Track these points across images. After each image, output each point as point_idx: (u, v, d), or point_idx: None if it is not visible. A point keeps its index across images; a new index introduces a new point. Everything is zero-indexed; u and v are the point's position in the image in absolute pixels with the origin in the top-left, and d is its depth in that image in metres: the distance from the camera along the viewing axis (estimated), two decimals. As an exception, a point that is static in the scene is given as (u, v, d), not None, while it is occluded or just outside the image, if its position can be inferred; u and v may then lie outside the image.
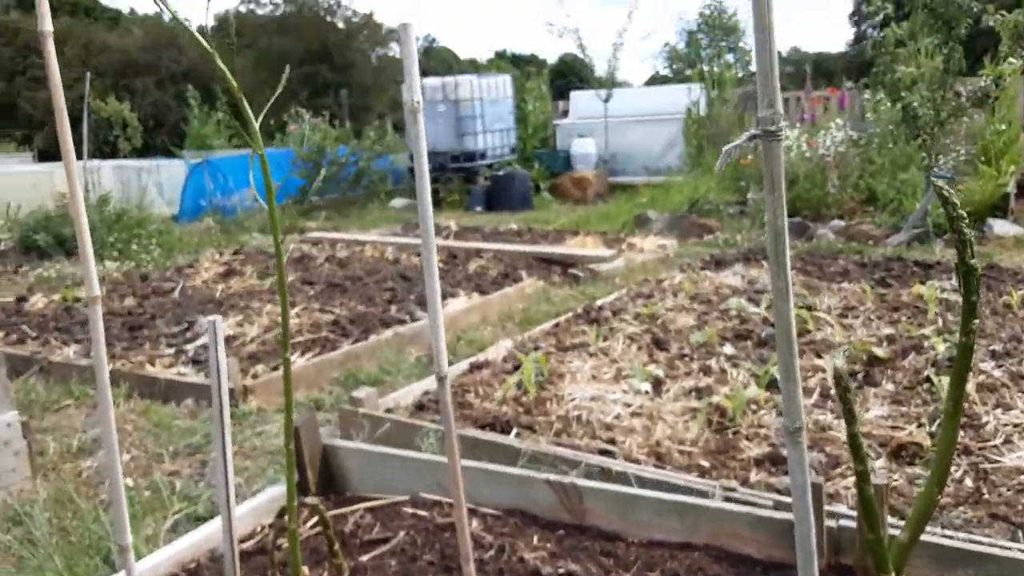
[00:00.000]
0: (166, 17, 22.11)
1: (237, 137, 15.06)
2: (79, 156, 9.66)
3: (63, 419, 4.07)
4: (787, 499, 2.52)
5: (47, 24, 1.50)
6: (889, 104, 9.09)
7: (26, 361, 4.76)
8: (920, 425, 3.30)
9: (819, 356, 4.14)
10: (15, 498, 3.13)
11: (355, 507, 2.42)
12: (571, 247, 7.82)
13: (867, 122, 9.99)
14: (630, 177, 13.40)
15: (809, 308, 4.83)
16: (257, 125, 1.53)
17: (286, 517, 2.34)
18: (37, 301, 6.17)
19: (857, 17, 31.40)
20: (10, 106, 23.46)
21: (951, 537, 2.14)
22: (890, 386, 3.73)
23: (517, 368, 4.09)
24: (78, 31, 24.36)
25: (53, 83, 1.46)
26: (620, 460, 3.03)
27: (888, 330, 4.48)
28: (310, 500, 1.78)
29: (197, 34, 1.42)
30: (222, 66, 1.40)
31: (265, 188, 1.52)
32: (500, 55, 42.02)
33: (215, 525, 2.32)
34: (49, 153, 19.00)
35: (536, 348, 4.49)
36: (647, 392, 3.76)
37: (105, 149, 8.80)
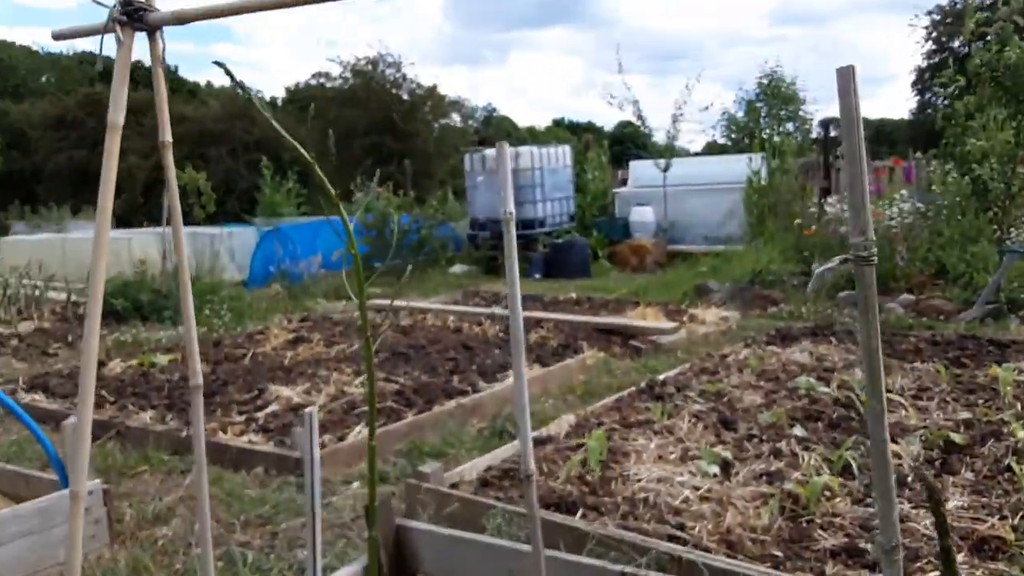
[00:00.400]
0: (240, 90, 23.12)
1: (306, 204, 15.56)
2: (158, 223, 10.05)
3: (139, 485, 4.19)
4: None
5: (167, 135, 1.63)
6: (958, 176, 8.98)
7: (103, 426, 4.92)
8: (1003, 517, 3.18)
9: (894, 441, 4.02)
10: (94, 565, 3.21)
11: (428, 591, 2.43)
12: (632, 318, 7.81)
13: (934, 193, 9.85)
14: (689, 246, 13.40)
15: (881, 389, 4.72)
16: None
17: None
18: (115, 366, 6.40)
19: (921, 86, 31.17)
20: (91, 173, 24.67)
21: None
22: (969, 475, 3.61)
23: (580, 445, 4.08)
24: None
25: (171, 192, 1.57)
26: (690, 547, 2.98)
27: (965, 414, 4.34)
28: (391, 589, 1.79)
29: (263, 110, 1.52)
30: (289, 138, 1.49)
31: (348, 249, 1.59)
32: (558, 123, 42.83)
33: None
34: (125, 219, 19.87)
35: (599, 424, 4.47)
36: (715, 475, 3.70)
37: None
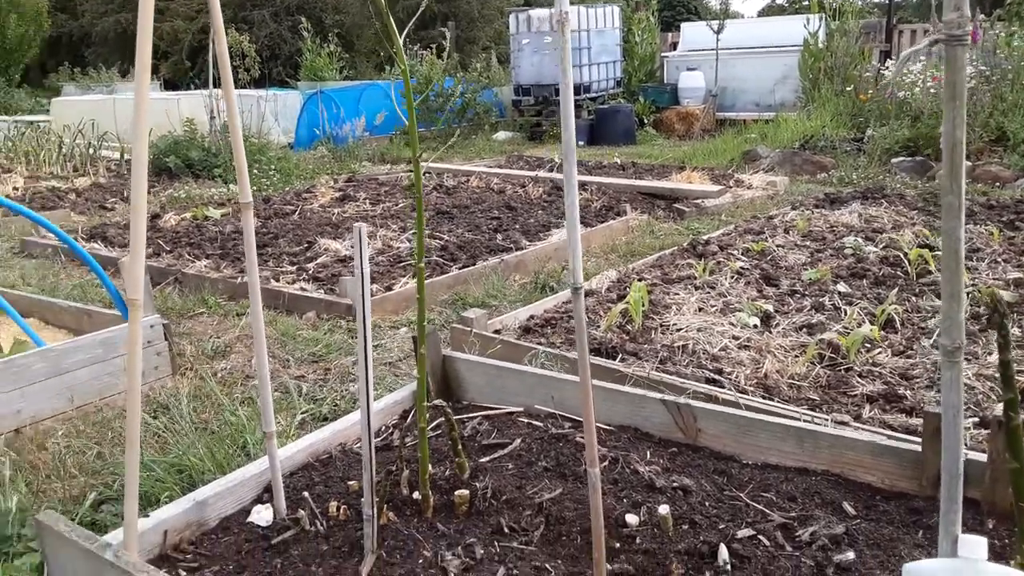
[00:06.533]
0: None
1: (349, 69, 15.32)
2: (205, 85, 10.04)
3: (197, 325, 4.38)
4: (906, 436, 2.50)
5: None
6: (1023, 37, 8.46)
7: (162, 272, 5.11)
8: (1047, 371, 3.18)
9: (939, 298, 4.00)
10: (159, 391, 3.42)
11: (473, 414, 2.55)
12: (676, 182, 7.70)
13: (999, 57, 9.31)
14: (739, 112, 12.97)
15: (931, 248, 4.65)
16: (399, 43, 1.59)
17: (409, 418, 2.49)
18: (169, 219, 6.57)
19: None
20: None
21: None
22: (1016, 331, 3.59)
23: (621, 298, 4.12)
24: (199, -37, 25.03)
25: (219, 39, 1.56)
26: (727, 389, 3.06)
27: (1016, 274, 4.27)
28: (438, 402, 1.89)
29: None
30: None
31: (407, 108, 1.59)
32: (607, -15, 40.77)
33: (344, 423, 2.50)
34: (173, 82, 19.83)
35: (641, 279, 4.50)
36: (756, 326, 3.74)
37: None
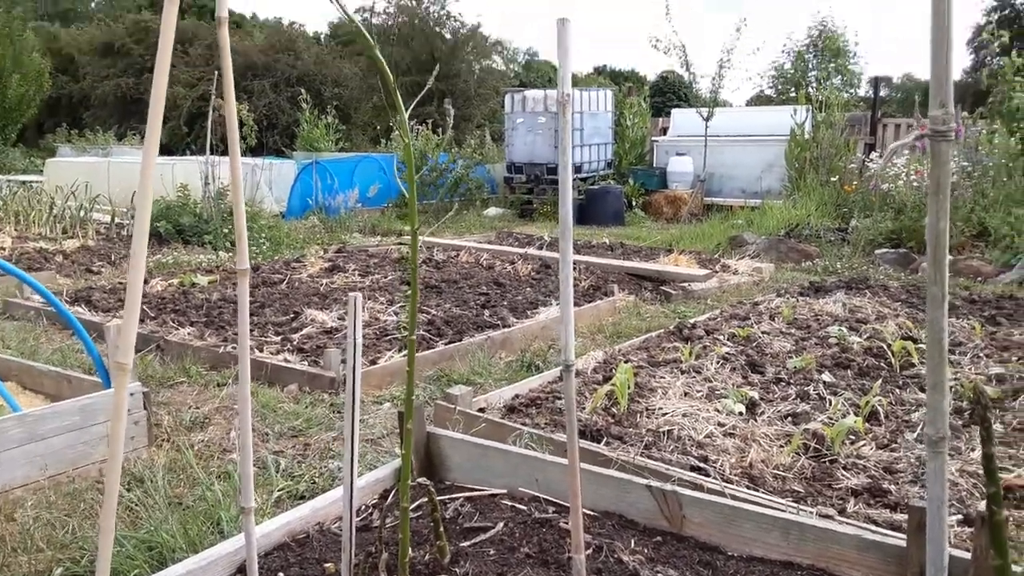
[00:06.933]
0: (285, 22, 23.06)
1: (344, 141, 15.58)
2: (200, 152, 10.16)
3: (177, 395, 4.32)
4: (890, 531, 2.47)
5: (224, 10, 1.62)
6: (1006, 134, 8.75)
7: (145, 339, 5.07)
8: (1030, 468, 3.18)
9: (923, 390, 4.02)
10: (134, 464, 3.35)
11: (455, 495, 2.50)
12: (664, 264, 7.79)
13: (981, 154, 9.61)
14: (726, 198, 13.23)
15: (914, 340, 4.69)
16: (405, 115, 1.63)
17: (390, 497, 2.44)
18: (156, 284, 6.55)
19: (976, 44, 30.14)
20: (137, 100, 24.87)
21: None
22: (999, 427, 3.60)
23: (607, 379, 4.12)
24: (203, 33, 25.70)
25: (226, 80, 1.59)
26: (712, 478, 3.03)
27: (997, 369, 4.31)
28: (422, 480, 1.86)
29: (360, 27, 1.52)
30: (378, 56, 1.50)
31: (408, 181, 1.62)
32: (599, 70, 42.11)
33: (323, 500, 2.45)
34: (168, 147, 20.06)
35: (627, 361, 4.50)
36: (741, 413, 3.73)
37: (221, 146, 9.29)
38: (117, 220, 9.52)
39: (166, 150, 18.72)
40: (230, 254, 8.19)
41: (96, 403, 3.38)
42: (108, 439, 2.97)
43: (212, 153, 9.21)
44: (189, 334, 5.15)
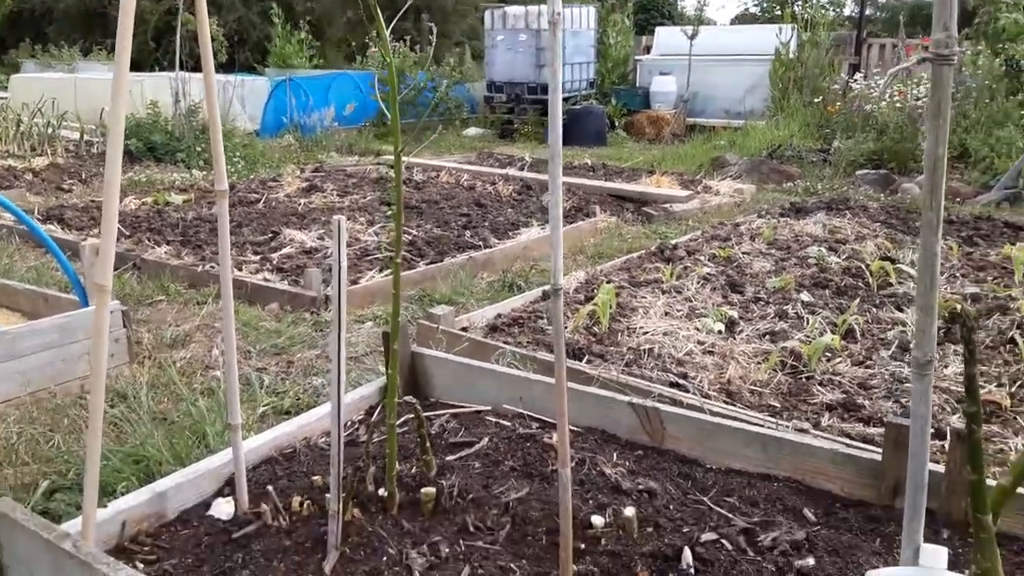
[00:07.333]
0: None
1: (318, 57, 15.15)
2: (169, 68, 9.86)
3: (156, 313, 4.30)
4: (862, 444, 2.54)
5: None
6: (990, 55, 8.68)
7: (121, 258, 4.99)
8: (1000, 385, 3.27)
9: (899, 309, 4.08)
10: (116, 381, 3.34)
11: (440, 412, 2.53)
12: (646, 185, 7.75)
13: (964, 75, 9.55)
14: (709, 119, 13.10)
15: (892, 260, 4.74)
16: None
17: (376, 414, 2.47)
18: (129, 203, 6.43)
19: (964, -37, 29.55)
20: (102, 15, 23.89)
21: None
22: (971, 344, 3.67)
23: (589, 299, 4.14)
24: (167, -58, 24.52)
25: (202, 23, 1.52)
26: (692, 394, 3.08)
27: (973, 289, 4.38)
28: (409, 398, 1.87)
29: None
30: None
31: (391, 100, 1.57)
32: (582, -14, 40.86)
33: (309, 417, 2.46)
34: (136, 63, 19.37)
35: (609, 281, 4.52)
36: (720, 332, 3.78)
37: (190, 62, 8.98)
38: (86, 137, 9.26)
39: (135, 65, 18.06)
40: (204, 172, 8.04)
41: (74, 321, 3.34)
42: (89, 357, 2.97)
43: (182, 69, 8.91)
44: (166, 253, 5.08)
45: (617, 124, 13.02)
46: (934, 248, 1.24)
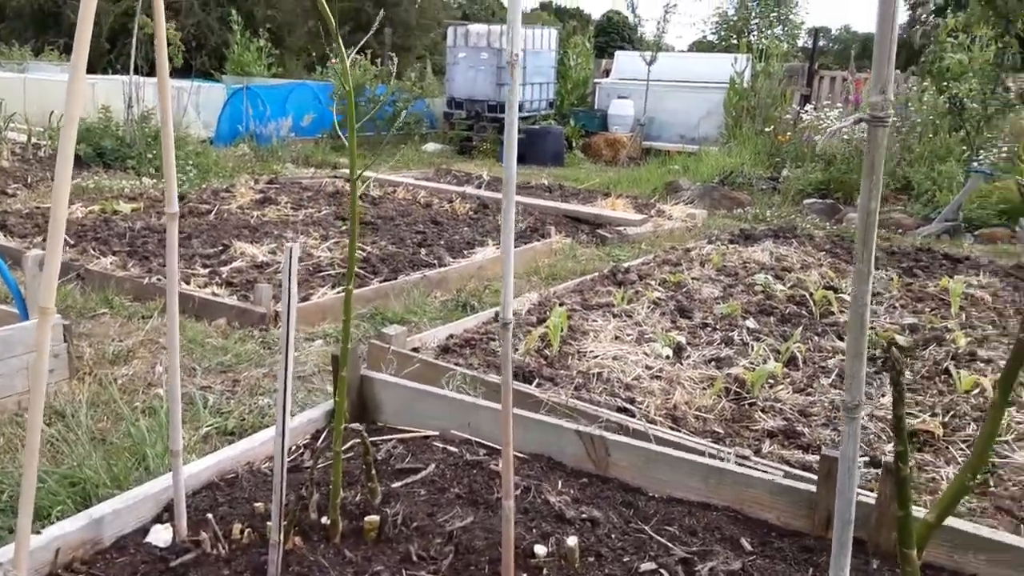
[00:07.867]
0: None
1: (277, 66, 15.01)
2: (123, 71, 9.65)
3: (99, 327, 4.20)
4: (801, 472, 2.60)
5: None
6: (935, 92, 9.00)
7: (64, 267, 4.88)
8: (934, 414, 3.37)
9: (840, 338, 4.19)
10: (54, 398, 3.26)
11: (388, 437, 2.53)
12: (601, 208, 7.84)
13: (910, 111, 9.88)
14: (665, 143, 13.31)
15: (835, 290, 4.87)
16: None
17: (322, 439, 2.45)
18: (76, 210, 6.28)
19: (912, 2, 30.64)
20: (55, 14, 23.37)
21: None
22: (908, 374, 3.79)
23: (541, 321, 4.17)
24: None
25: (159, 29, 1.52)
26: (638, 419, 3.12)
27: (911, 319, 4.52)
28: (355, 426, 1.87)
29: None
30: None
31: (348, 117, 1.58)
32: (544, 6, 41.35)
33: (254, 441, 2.44)
34: (90, 64, 18.98)
35: (561, 304, 4.56)
36: (668, 357, 3.84)
37: (145, 67, 8.84)
38: (34, 140, 9.04)
39: (87, 67, 17.73)
40: (154, 180, 7.89)
41: (14, 335, 3.26)
42: (28, 373, 2.89)
43: (137, 73, 8.76)
44: (112, 264, 4.98)
45: (575, 145, 13.15)
46: (865, 298, 1.29)
